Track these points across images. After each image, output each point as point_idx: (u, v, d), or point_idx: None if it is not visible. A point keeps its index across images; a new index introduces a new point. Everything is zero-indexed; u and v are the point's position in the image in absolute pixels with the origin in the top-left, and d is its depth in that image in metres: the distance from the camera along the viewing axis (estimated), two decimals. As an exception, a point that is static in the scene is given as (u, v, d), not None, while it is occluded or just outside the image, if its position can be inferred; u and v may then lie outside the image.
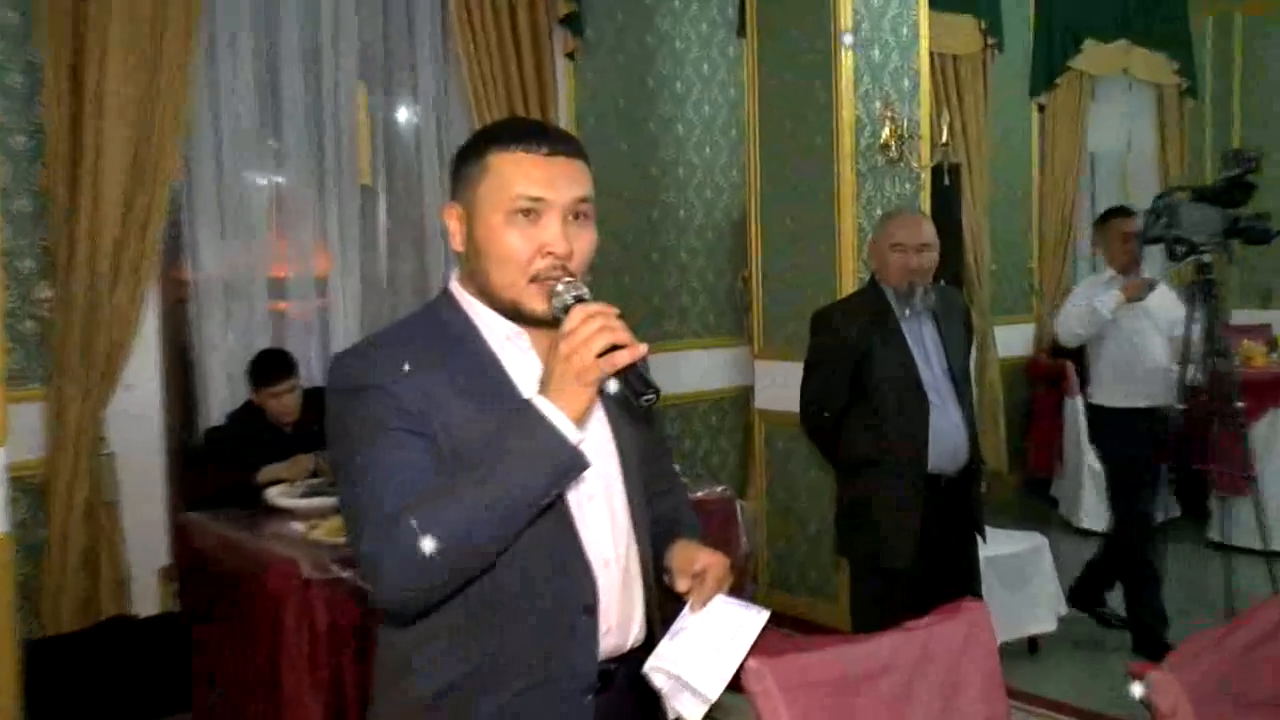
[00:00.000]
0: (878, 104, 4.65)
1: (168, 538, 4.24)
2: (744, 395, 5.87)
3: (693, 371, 5.88)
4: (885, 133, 4.65)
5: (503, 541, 1.40)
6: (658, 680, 1.53)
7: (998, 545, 4.32)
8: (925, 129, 4.83)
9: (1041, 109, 7.32)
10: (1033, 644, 4.33)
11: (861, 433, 3.30)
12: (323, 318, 4.71)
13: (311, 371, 4.51)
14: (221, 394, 4.35)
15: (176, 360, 4.42)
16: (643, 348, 1.39)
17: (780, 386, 4.94)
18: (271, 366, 3.94)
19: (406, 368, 1.44)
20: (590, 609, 1.51)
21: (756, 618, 1.56)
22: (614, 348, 1.37)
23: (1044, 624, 4.29)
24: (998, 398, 6.86)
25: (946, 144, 4.97)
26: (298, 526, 3.24)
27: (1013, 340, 7.14)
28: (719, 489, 3.77)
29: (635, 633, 1.60)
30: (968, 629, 2.03)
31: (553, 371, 1.39)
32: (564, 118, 5.23)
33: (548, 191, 1.49)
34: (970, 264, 6.64)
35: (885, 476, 3.25)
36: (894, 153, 4.67)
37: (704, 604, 1.58)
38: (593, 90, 5.47)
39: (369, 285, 4.85)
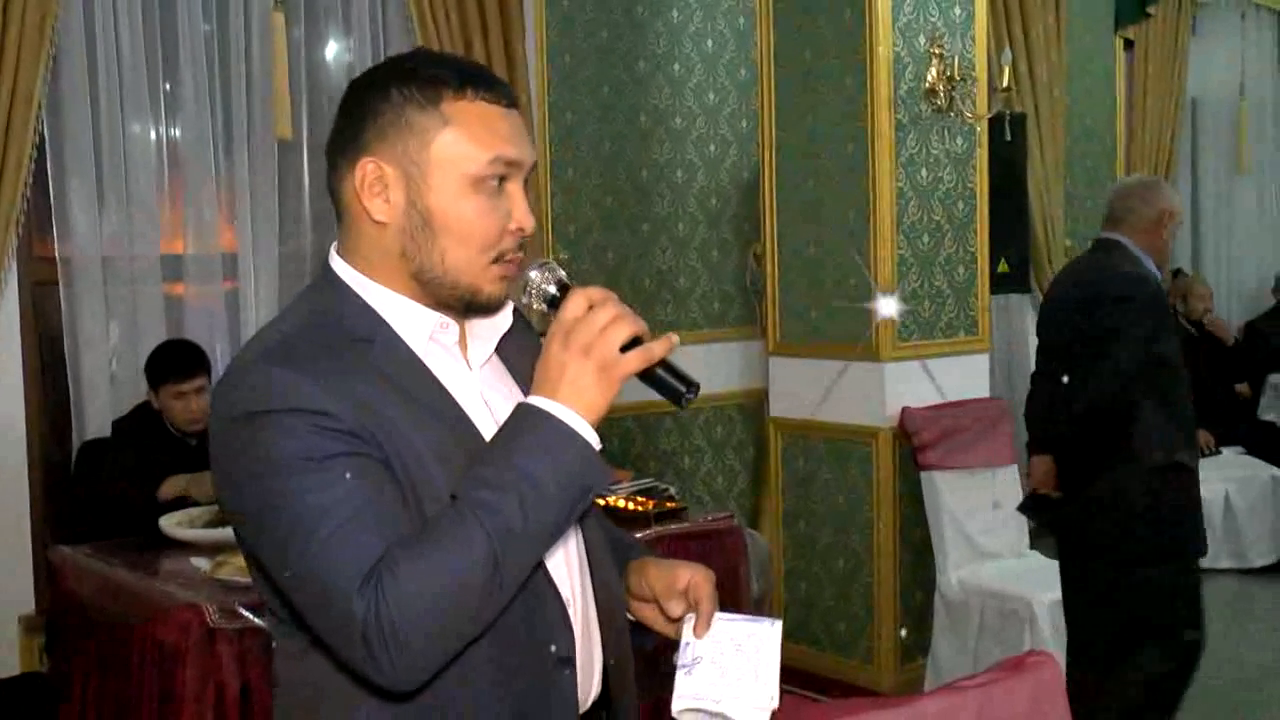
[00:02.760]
0: (922, 39, 4.71)
1: (33, 578, 4.27)
2: (756, 400, 5.92)
3: (692, 370, 5.90)
4: (932, 74, 4.71)
5: (514, 589, 1.41)
6: None
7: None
8: (982, 70, 4.89)
9: (1130, 45, 7.39)
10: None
11: (1169, 419, 3.63)
12: (231, 304, 4.74)
13: (217, 370, 4.54)
14: (102, 399, 4.39)
15: (44, 357, 4.45)
16: (674, 337, 1.46)
17: (801, 389, 4.99)
18: (178, 359, 3.98)
19: (331, 379, 1.40)
20: (567, 661, 1.54)
21: (771, 630, 1.64)
22: (636, 341, 1.44)
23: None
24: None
25: (1009, 89, 5.03)
26: (200, 563, 3.28)
27: (1092, 333, 7.21)
28: (724, 516, 3.82)
29: (596, 686, 1.63)
30: (1035, 687, 2.07)
31: (562, 369, 1.42)
32: (532, 54, 5.27)
33: (521, 154, 1.52)
34: (1039, 238, 6.69)
35: (1194, 465, 3.71)
36: (942, 100, 4.73)
37: (708, 626, 1.63)
38: (568, 19, 5.51)
39: (288, 264, 4.88)
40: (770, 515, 5.23)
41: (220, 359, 4.63)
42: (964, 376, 4.97)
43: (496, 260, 1.52)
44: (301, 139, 4.87)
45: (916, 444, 4.68)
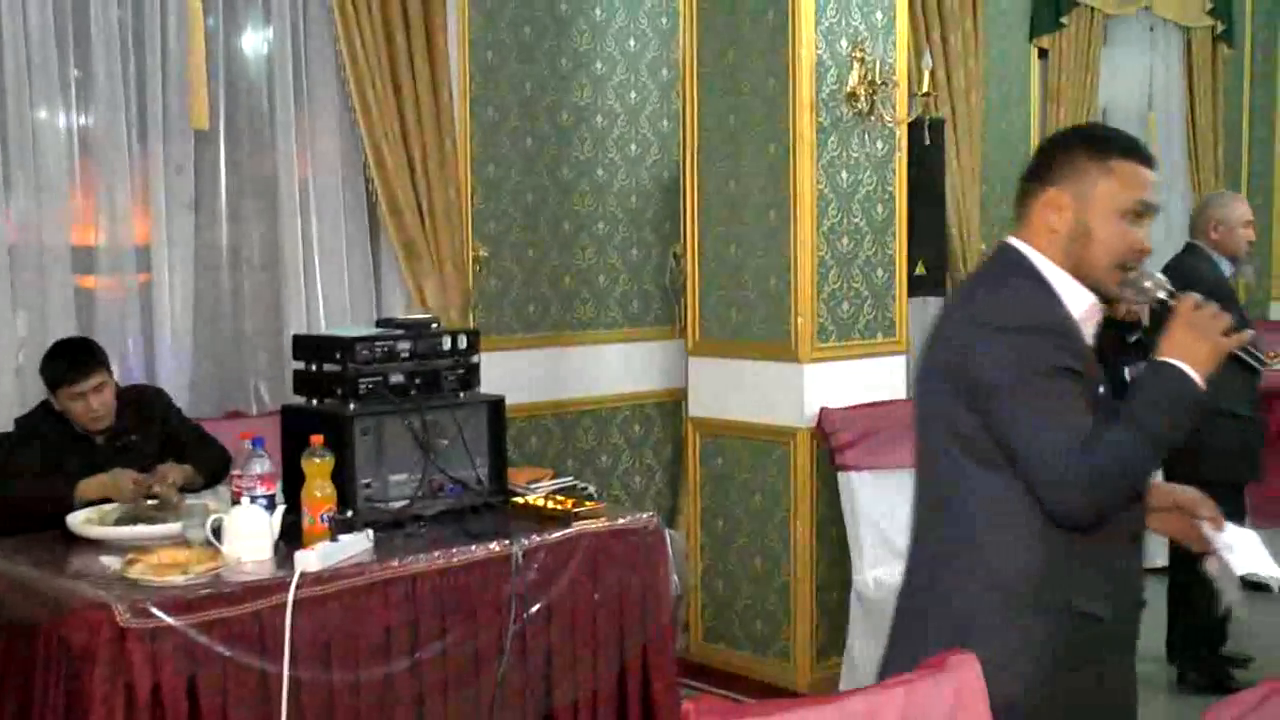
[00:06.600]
0: (844, 42, 4.73)
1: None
2: (674, 400, 5.91)
3: (611, 370, 5.91)
4: (853, 78, 4.73)
5: (1151, 474, 2.33)
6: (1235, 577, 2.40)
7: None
8: (902, 75, 4.92)
9: (1044, 54, 7.48)
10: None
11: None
12: (144, 297, 4.64)
13: (130, 365, 4.44)
14: (9, 394, 4.27)
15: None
16: (1249, 332, 2.26)
17: (720, 389, 4.99)
18: (71, 359, 3.86)
19: (1061, 316, 2.25)
20: (1137, 536, 2.36)
21: (1251, 531, 2.45)
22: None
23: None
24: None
25: (929, 94, 5.07)
26: (110, 561, 3.19)
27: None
28: (643, 516, 3.80)
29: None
30: (957, 686, 2.08)
31: (1189, 345, 2.18)
32: (454, 49, 5.21)
33: (1156, 200, 2.31)
34: (955, 242, 6.75)
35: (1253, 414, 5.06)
36: (863, 103, 4.75)
37: (1222, 524, 2.41)
38: (490, 16, 5.46)
39: (204, 257, 4.78)
40: (688, 514, 5.23)
41: (132, 353, 4.52)
42: (882, 377, 5.00)
43: (1119, 267, 2.28)
44: (219, 129, 4.78)
45: (834, 444, 4.70)
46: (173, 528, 3.43)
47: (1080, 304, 2.30)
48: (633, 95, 6.01)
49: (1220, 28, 8.31)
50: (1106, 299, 2.32)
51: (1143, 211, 2.28)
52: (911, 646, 2.34)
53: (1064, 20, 7.38)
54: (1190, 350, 2.18)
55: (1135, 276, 2.29)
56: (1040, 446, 2.15)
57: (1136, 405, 2.16)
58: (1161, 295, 2.28)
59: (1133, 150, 2.30)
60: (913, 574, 2.45)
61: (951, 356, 2.28)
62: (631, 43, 6.00)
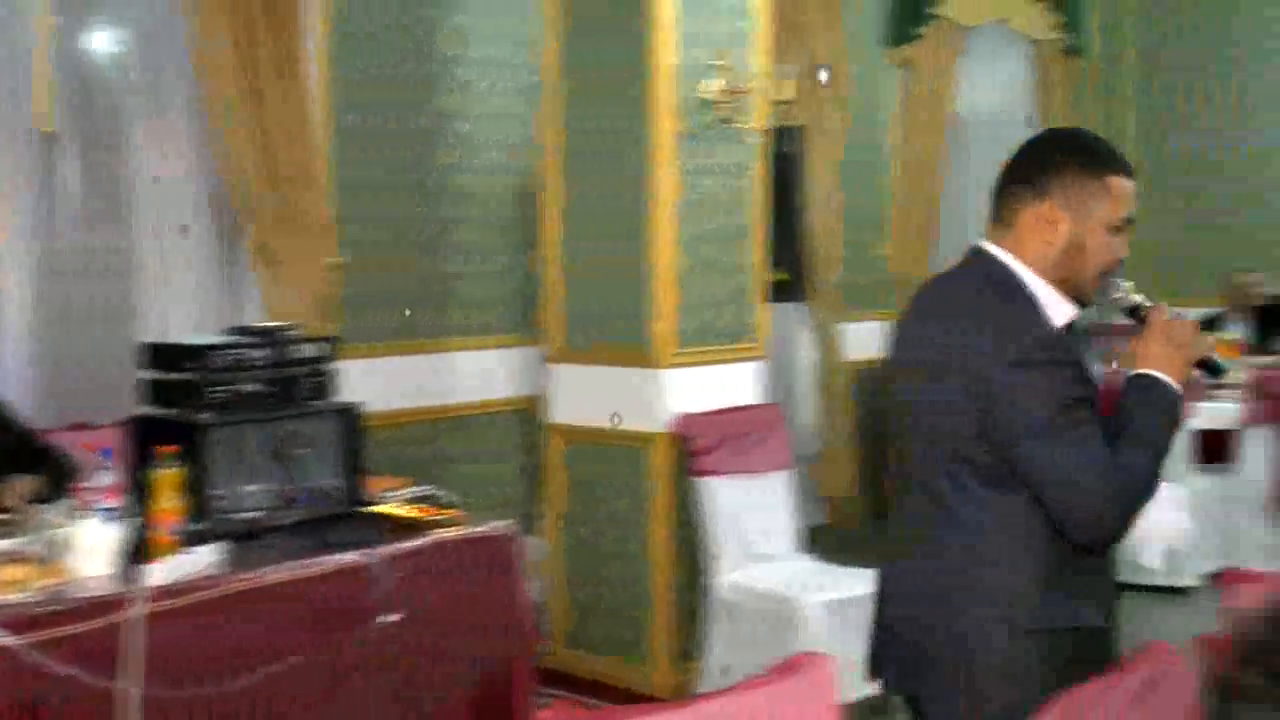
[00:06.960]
0: (706, 50, 4.75)
1: None
2: (534, 407, 5.89)
3: (473, 377, 5.87)
4: (715, 86, 4.76)
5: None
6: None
7: (844, 585, 4.48)
8: (763, 82, 4.97)
9: (903, 64, 7.62)
10: (885, 700, 4.51)
11: None
12: (-15, 303, 4.49)
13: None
14: None
15: None
16: (1211, 338, 2.29)
17: (580, 396, 4.99)
18: None
19: (1066, 337, 2.32)
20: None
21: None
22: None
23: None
24: (845, 410, 7.11)
25: (790, 102, 5.13)
26: (-55, 579, 3.07)
27: (865, 340, 7.38)
28: (500, 523, 3.78)
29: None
30: (809, 688, 2.11)
31: (1165, 354, 2.34)
32: (314, 57, 5.13)
33: (1134, 212, 2.40)
34: (817, 249, 6.85)
35: None
36: (724, 111, 4.78)
37: None
38: (351, 23, 5.39)
39: (50, 263, 4.65)
40: (548, 521, 5.22)
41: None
42: (741, 383, 5.04)
43: (1100, 276, 2.37)
44: (65, 132, 4.64)
45: (693, 449, 4.73)
46: (10, 543, 3.31)
47: (1062, 315, 2.36)
48: (497, 101, 5.98)
49: (1069, 40, 8.56)
50: (1083, 305, 2.40)
51: (1126, 225, 2.36)
52: (913, 664, 2.45)
53: (921, 31, 7.54)
54: (1169, 361, 2.33)
55: (1110, 284, 2.41)
56: (1075, 479, 2.24)
57: (1140, 423, 2.30)
58: (1137, 300, 2.42)
59: (1123, 165, 2.37)
60: (905, 589, 2.49)
61: (966, 381, 2.29)
62: (495, 49, 5.97)
